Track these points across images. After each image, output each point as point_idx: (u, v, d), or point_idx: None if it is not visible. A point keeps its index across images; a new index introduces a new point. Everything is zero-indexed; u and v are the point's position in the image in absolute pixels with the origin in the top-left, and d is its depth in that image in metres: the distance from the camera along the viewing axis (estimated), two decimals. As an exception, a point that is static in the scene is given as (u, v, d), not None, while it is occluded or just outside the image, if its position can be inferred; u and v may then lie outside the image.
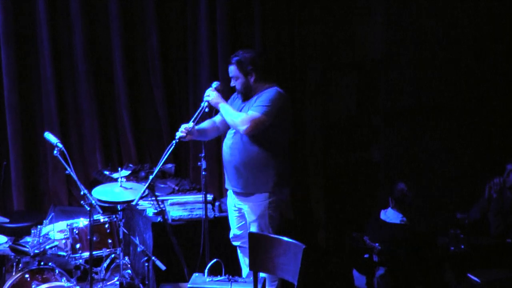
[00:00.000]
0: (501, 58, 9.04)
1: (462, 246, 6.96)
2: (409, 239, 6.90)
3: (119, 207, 6.83)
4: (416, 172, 8.78)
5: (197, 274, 6.18)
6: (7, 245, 6.65)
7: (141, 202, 7.16)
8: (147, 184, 6.36)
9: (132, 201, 6.49)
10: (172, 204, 7.20)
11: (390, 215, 7.04)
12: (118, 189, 6.82)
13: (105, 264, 6.74)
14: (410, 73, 8.89)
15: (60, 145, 6.34)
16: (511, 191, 7.50)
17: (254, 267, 5.88)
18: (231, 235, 6.74)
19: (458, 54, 8.92)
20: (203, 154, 6.57)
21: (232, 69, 6.51)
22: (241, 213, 6.61)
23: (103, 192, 6.81)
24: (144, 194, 6.44)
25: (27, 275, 6.49)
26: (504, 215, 7.37)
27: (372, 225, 7.07)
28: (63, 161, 6.27)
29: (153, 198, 6.52)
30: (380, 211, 7.13)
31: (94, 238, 6.45)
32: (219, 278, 6.04)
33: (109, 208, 6.90)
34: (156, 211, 7.17)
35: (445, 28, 8.89)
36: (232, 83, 6.56)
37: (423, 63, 8.89)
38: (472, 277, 6.72)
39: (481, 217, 7.53)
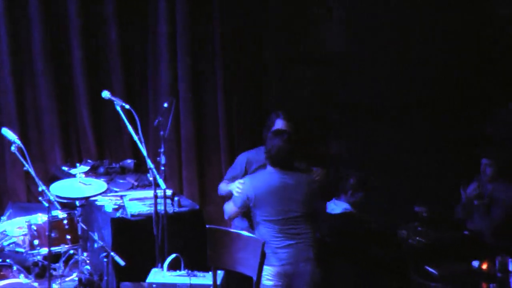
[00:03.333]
0: (463, 53, 9.09)
1: (420, 239, 7.01)
2: (353, 227, 6.90)
3: (77, 203, 6.81)
4: (374, 165, 8.82)
5: (156, 269, 6.19)
6: (-36, 242, 6.61)
7: (99, 197, 7.16)
8: None
9: (90, 197, 6.48)
10: (131, 200, 7.19)
11: (334, 206, 7.06)
12: (77, 185, 6.81)
13: (63, 260, 6.73)
14: (370, 69, 8.93)
15: (18, 142, 6.29)
16: (490, 182, 7.57)
17: (213, 262, 5.89)
18: None
19: (422, 51, 8.98)
20: (162, 150, 6.59)
21: None
22: None
23: (61, 188, 6.80)
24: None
25: (-16, 272, 6.47)
26: (492, 218, 7.49)
27: (322, 218, 7.09)
28: (20, 158, 6.24)
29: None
30: (326, 204, 7.14)
31: (53, 234, 6.43)
32: (178, 273, 6.04)
33: (67, 204, 6.87)
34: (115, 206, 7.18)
35: (408, 24, 8.92)
36: None
37: (384, 59, 8.94)
38: (430, 269, 6.77)
39: (468, 218, 7.63)
